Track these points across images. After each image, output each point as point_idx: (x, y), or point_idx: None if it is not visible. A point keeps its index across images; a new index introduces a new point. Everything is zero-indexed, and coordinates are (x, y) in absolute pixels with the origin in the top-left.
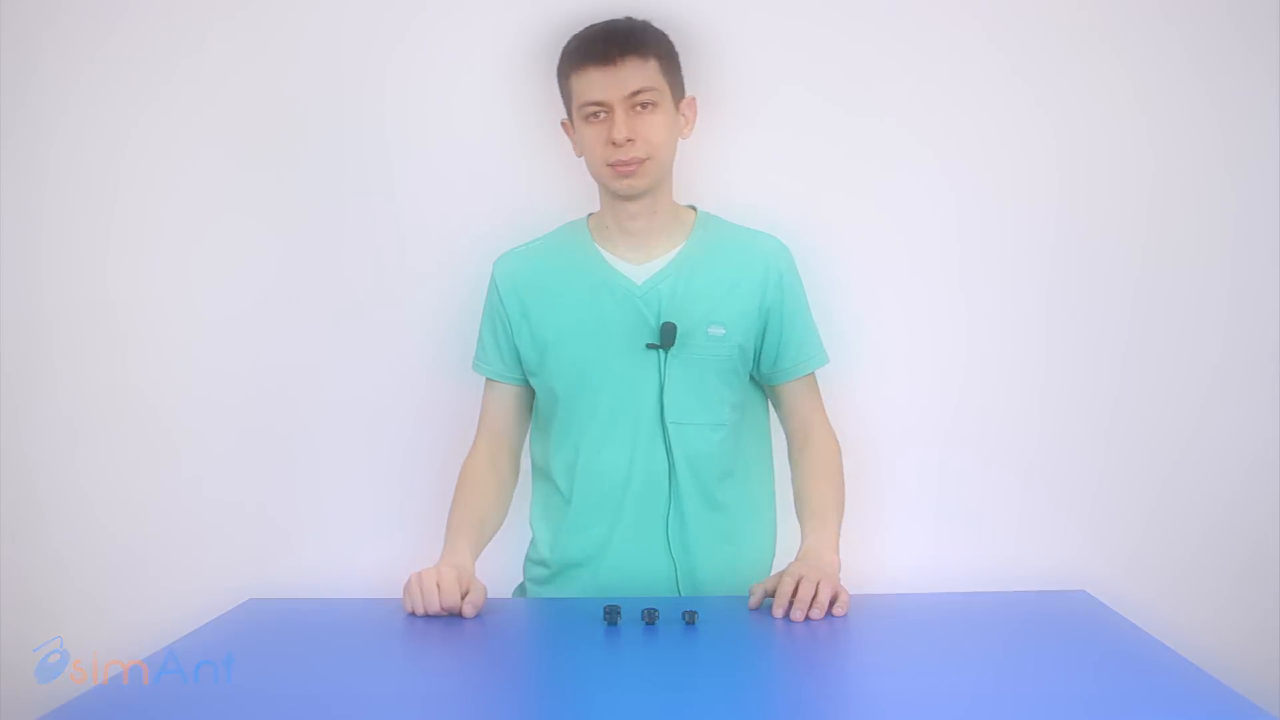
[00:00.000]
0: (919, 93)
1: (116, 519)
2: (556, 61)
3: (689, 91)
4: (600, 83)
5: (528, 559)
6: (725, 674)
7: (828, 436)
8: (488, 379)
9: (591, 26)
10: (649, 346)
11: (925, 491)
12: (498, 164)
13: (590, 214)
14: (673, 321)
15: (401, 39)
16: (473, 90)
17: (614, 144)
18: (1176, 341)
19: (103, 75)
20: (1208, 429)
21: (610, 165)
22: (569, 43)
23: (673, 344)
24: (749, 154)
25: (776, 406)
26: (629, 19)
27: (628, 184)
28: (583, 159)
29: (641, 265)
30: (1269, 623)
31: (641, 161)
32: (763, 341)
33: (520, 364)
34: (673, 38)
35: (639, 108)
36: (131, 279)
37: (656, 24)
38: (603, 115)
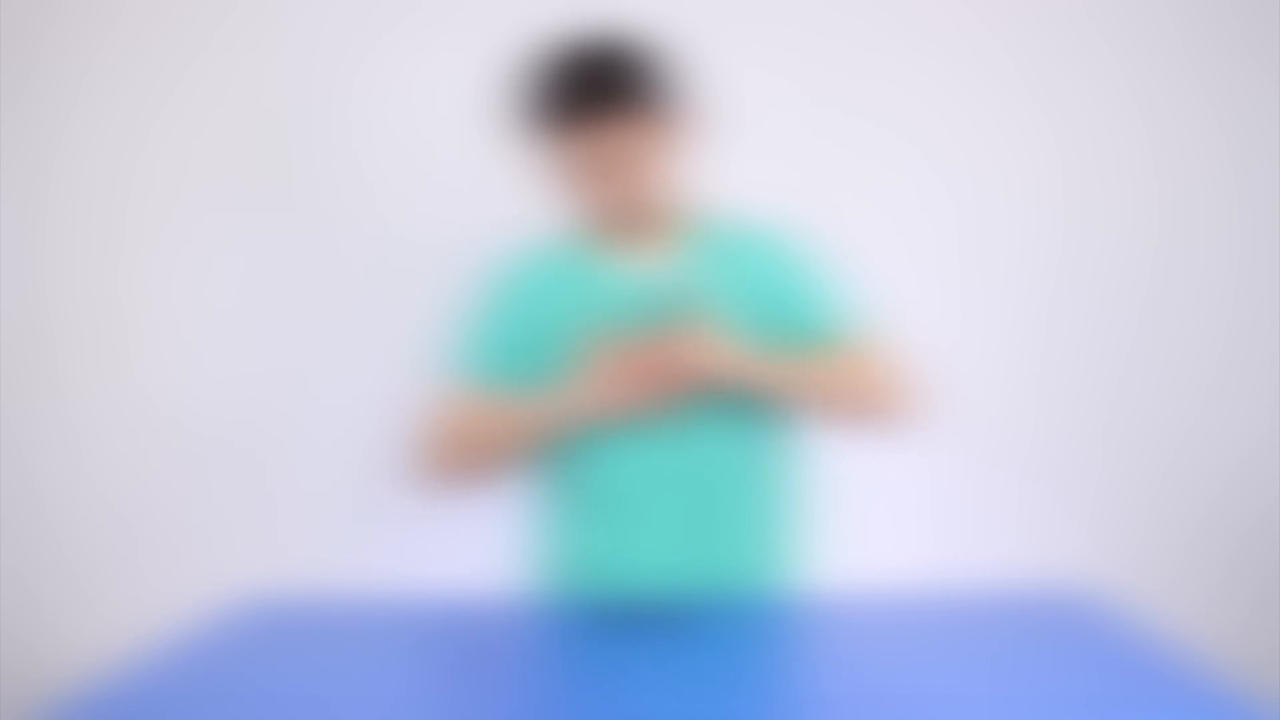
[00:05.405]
0: (917, 93)
1: (117, 518)
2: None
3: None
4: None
5: (529, 562)
6: (721, 673)
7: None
8: (466, 386)
9: (580, 50)
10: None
11: (923, 486)
12: (490, 164)
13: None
14: (680, 318)
15: (389, 39)
16: (463, 91)
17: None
18: (1174, 338)
19: (104, 77)
20: (1206, 424)
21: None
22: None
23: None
24: (746, 154)
25: None
26: (621, 43)
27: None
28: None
29: (645, 262)
30: (1267, 616)
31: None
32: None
33: (518, 366)
34: (666, 40)
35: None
36: (131, 278)
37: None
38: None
